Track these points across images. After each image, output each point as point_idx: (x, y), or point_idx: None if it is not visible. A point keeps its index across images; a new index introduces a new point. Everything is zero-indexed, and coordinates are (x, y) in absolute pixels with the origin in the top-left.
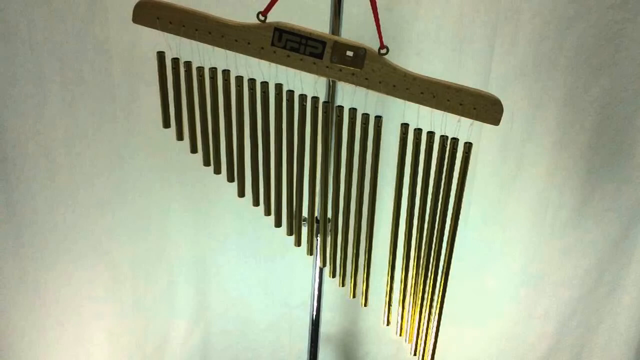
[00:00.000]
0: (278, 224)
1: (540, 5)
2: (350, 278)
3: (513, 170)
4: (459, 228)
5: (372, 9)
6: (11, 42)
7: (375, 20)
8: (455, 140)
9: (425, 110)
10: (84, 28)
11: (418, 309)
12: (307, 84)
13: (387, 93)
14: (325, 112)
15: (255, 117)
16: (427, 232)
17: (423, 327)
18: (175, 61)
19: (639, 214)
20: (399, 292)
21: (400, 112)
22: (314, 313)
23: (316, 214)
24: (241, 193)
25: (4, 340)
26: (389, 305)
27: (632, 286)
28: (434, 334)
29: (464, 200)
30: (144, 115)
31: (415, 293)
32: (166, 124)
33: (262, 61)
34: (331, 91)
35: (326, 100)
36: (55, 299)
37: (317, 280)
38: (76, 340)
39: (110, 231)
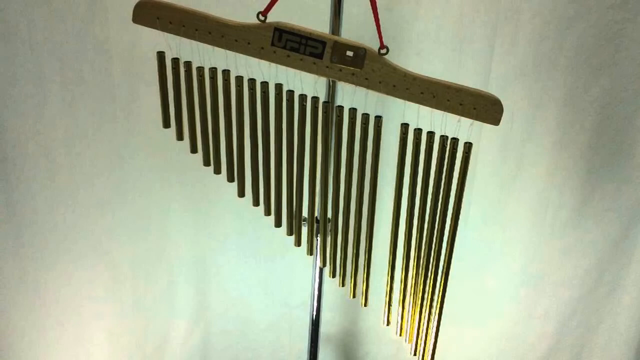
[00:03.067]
0: (278, 224)
1: (540, 5)
2: (350, 278)
3: (513, 170)
4: (459, 228)
5: (372, 9)
6: (11, 42)
7: (375, 20)
8: (455, 140)
9: (425, 110)
10: (84, 28)
11: (418, 309)
12: (307, 84)
13: (387, 93)
14: (325, 112)
15: (255, 117)
16: (427, 232)
17: (423, 327)
18: (175, 61)
19: (639, 214)
20: (399, 292)
21: (400, 112)
22: (314, 313)
23: (316, 214)
24: (241, 193)
25: (4, 340)
26: (389, 305)
27: (632, 286)
28: (434, 334)
29: (463, 200)
30: (144, 115)
31: (415, 293)
32: (166, 124)
33: (262, 61)
34: (331, 91)
35: (326, 100)
36: (55, 299)
37: (317, 280)
38: (76, 340)
39: (110, 231)
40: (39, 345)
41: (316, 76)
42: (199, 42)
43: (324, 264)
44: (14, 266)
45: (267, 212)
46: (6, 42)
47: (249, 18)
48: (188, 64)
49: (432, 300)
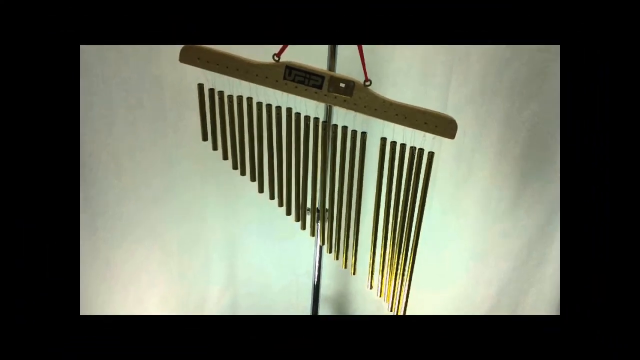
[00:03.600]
0: (288, 212)
1: (485, 49)
2: (343, 253)
3: (465, 174)
4: (424, 217)
5: (359, 51)
6: (88, 77)
7: (361, 60)
8: (421, 150)
9: (399, 127)
10: (143, 66)
11: (393, 277)
12: (310, 107)
13: (371, 115)
14: (324, 129)
15: (271, 132)
16: (400, 219)
17: (397, 290)
18: (212, 91)
19: (559, 206)
20: (379, 264)
21: (380, 129)
22: (315, 280)
23: (317, 205)
24: (260, 189)
25: (83, 301)
26: (372, 273)
27: (554, 260)
28: (405, 295)
29: (427, 195)
30: (189, 132)
31: (391, 265)
32: (205, 138)
33: (276, 90)
34: (329, 113)
35: (325, 120)
36: (121, 271)
37: (318, 255)
38: (136, 302)
39: (163, 219)
40: (109, 305)
41: (317, 102)
42: (229, 76)
43: (323, 243)
44: (90, 246)
45: (280, 204)
46: (84, 77)
47: (267, 58)
48: (221, 93)
49: (404, 270)
